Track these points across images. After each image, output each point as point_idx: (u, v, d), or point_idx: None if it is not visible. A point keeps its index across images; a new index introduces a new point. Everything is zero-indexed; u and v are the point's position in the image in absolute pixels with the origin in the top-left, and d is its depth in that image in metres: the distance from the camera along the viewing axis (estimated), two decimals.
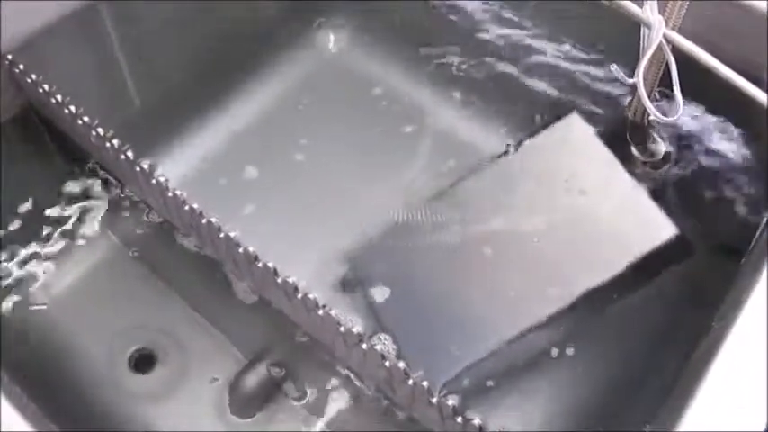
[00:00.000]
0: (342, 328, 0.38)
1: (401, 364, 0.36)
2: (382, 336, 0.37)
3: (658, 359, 0.51)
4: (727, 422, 0.33)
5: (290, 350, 0.51)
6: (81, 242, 0.57)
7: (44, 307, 0.55)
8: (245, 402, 0.51)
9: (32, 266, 0.56)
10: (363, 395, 0.50)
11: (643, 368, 0.51)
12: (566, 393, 0.51)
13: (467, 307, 0.50)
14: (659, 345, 0.51)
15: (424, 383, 0.36)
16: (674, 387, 0.42)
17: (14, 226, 0.56)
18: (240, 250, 0.40)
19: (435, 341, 0.49)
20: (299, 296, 0.39)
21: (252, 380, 0.50)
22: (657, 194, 0.49)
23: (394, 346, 0.48)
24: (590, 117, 0.52)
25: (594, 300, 0.48)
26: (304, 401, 0.51)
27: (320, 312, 0.38)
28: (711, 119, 0.50)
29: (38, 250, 0.56)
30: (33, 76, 0.47)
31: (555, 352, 0.51)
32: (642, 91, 0.46)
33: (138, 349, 0.53)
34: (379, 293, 0.52)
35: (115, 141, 0.45)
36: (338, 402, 0.51)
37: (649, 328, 0.52)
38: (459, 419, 0.35)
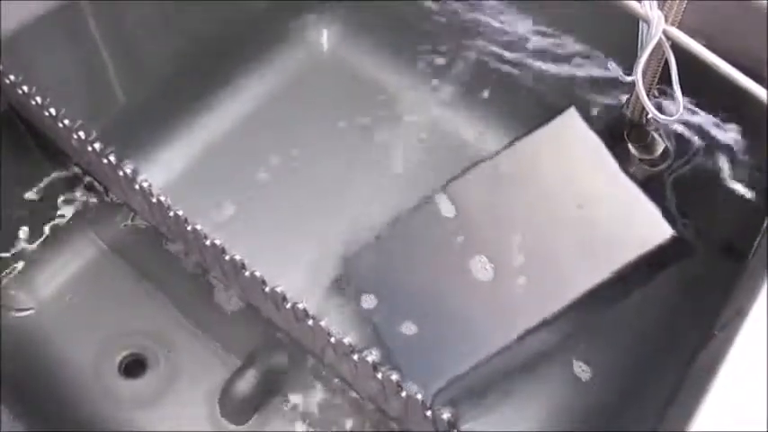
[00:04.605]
0: (332, 339, 0.37)
1: (394, 376, 0.35)
2: (374, 350, 0.36)
3: (657, 363, 0.50)
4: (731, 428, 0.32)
5: (283, 356, 0.50)
6: (67, 246, 0.57)
7: (31, 312, 0.54)
8: (237, 408, 0.50)
9: (18, 270, 0.55)
10: (357, 403, 0.49)
11: (642, 372, 0.50)
12: (562, 399, 0.50)
13: (462, 310, 0.49)
14: (658, 348, 0.51)
15: (418, 396, 0.35)
16: (675, 392, 0.41)
17: None
18: (227, 258, 0.39)
19: (430, 344, 0.49)
20: (288, 306, 0.38)
21: (243, 385, 0.49)
22: (655, 194, 0.49)
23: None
24: (587, 114, 0.51)
25: (591, 302, 0.47)
26: (297, 408, 0.50)
27: (309, 323, 0.37)
28: (711, 117, 0.49)
29: (23, 253, 0.55)
30: (12, 78, 0.46)
31: (551, 356, 0.51)
32: (641, 88, 0.46)
33: (128, 354, 0.52)
34: (371, 296, 0.51)
35: (97, 145, 0.43)
36: (332, 409, 0.50)
37: (647, 332, 0.52)
38: None
